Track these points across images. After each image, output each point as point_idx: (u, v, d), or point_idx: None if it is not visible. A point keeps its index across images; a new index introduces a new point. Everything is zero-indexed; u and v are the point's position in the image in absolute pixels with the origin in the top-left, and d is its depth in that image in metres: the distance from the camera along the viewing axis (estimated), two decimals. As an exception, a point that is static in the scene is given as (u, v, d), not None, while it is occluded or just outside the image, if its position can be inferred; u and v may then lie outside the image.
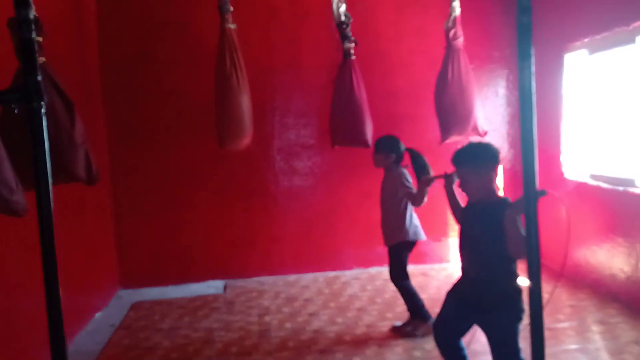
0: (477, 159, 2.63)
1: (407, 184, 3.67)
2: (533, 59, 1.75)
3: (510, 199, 2.67)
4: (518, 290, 2.53)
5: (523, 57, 1.75)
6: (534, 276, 1.74)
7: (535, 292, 1.75)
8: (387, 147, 3.76)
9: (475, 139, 3.94)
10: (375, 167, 3.87)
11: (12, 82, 2.60)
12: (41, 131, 1.31)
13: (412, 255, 3.79)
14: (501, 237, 2.50)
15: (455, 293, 2.72)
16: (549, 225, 3.50)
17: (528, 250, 1.75)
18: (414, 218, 3.75)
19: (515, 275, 2.55)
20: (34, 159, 1.27)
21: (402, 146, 3.77)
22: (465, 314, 2.65)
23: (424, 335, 3.60)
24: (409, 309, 3.75)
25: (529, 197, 1.74)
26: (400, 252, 3.73)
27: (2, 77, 2.73)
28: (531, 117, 1.72)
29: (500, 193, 2.79)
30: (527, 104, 1.72)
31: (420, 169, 3.61)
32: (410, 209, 3.73)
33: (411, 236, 3.69)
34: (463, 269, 2.72)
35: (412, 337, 3.64)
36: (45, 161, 1.27)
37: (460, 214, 2.81)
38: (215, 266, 5.19)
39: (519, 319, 2.51)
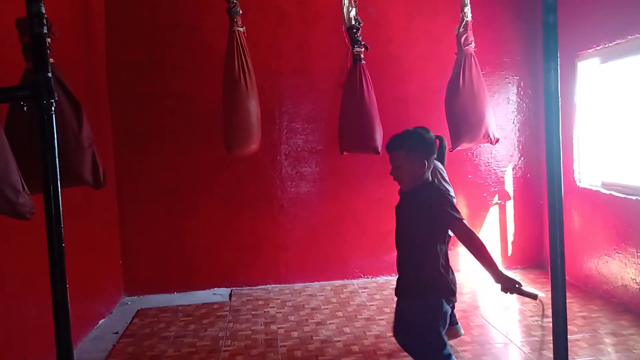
0: (410, 144, 2.57)
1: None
2: (559, 61, 1.70)
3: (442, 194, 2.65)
4: (435, 282, 2.54)
5: (549, 58, 1.67)
6: (558, 288, 1.68)
7: (558, 305, 1.68)
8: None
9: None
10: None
11: (20, 82, 2.56)
12: (51, 129, 1.27)
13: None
14: (425, 229, 2.55)
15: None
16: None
17: (552, 262, 1.68)
18: None
19: (434, 268, 2.55)
20: (43, 157, 1.22)
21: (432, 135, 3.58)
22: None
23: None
24: None
25: (554, 202, 1.68)
26: None
27: (6, 81, 2.69)
28: (557, 119, 1.65)
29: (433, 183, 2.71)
30: (553, 105, 1.65)
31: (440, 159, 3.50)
32: None
33: None
34: (396, 261, 2.75)
35: None
36: (55, 160, 1.22)
37: (396, 208, 2.77)
38: (221, 273, 5.11)
39: (429, 310, 2.54)
